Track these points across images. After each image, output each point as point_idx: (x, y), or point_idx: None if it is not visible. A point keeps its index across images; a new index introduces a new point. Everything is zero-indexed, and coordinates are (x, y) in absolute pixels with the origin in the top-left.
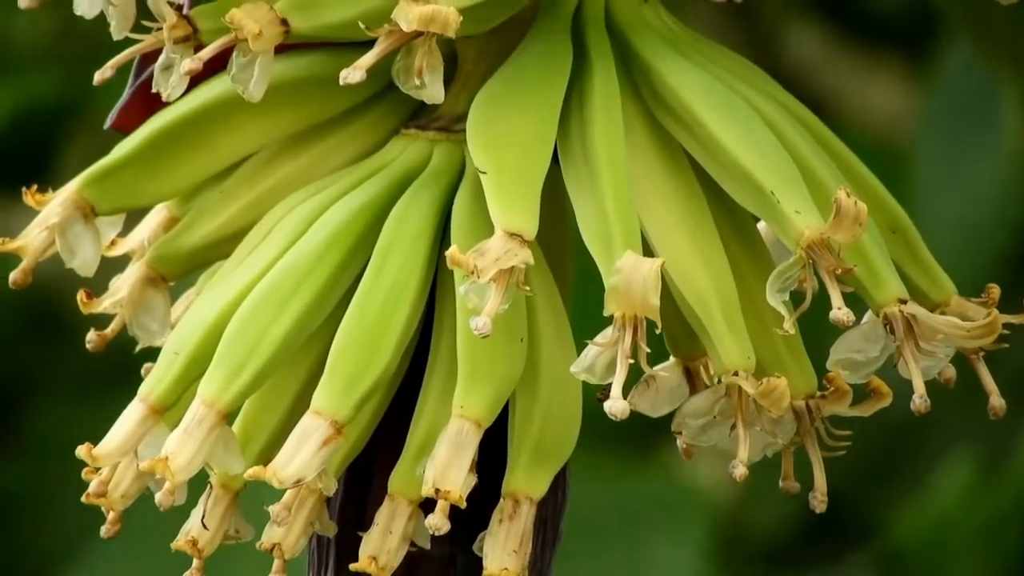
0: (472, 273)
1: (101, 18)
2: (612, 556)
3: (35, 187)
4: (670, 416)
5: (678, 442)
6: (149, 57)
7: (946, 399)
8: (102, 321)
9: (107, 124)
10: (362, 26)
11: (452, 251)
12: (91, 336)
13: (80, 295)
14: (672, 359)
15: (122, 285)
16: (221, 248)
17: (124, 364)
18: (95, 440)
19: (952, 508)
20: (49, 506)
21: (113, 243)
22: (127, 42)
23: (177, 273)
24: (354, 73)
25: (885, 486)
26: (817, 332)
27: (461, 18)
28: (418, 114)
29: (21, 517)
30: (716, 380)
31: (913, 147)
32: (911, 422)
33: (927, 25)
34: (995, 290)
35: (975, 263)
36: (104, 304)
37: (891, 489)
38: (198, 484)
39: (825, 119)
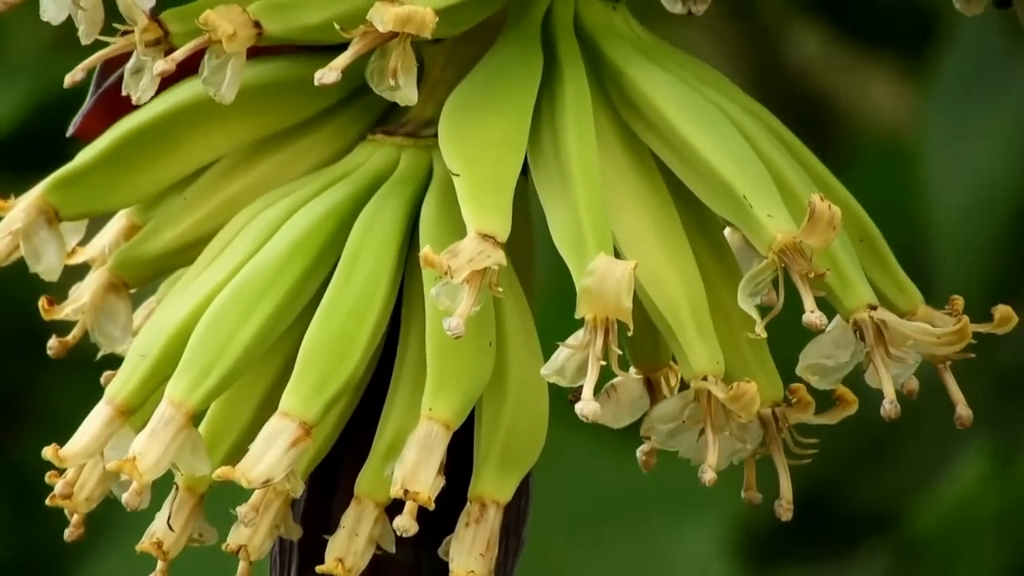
0: (445, 274)
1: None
2: (636, 543)
3: None
4: None
5: (638, 453)
6: (111, 63)
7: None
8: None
9: (70, 131)
10: (337, 28)
11: (426, 251)
12: (52, 343)
13: (42, 302)
14: (633, 370)
15: (84, 291)
16: (185, 254)
17: None
18: None
19: (967, 498)
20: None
21: (74, 251)
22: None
23: (139, 280)
24: (329, 74)
25: (897, 477)
26: (782, 340)
27: (437, 19)
28: (385, 120)
29: (37, 507)
30: (677, 391)
31: (916, 142)
32: (922, 413)
33: (926, 21)
34: (959, 301)
35: (984, 247)
36: (66, 311)
37: (904, 480)
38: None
39: (826, 118)
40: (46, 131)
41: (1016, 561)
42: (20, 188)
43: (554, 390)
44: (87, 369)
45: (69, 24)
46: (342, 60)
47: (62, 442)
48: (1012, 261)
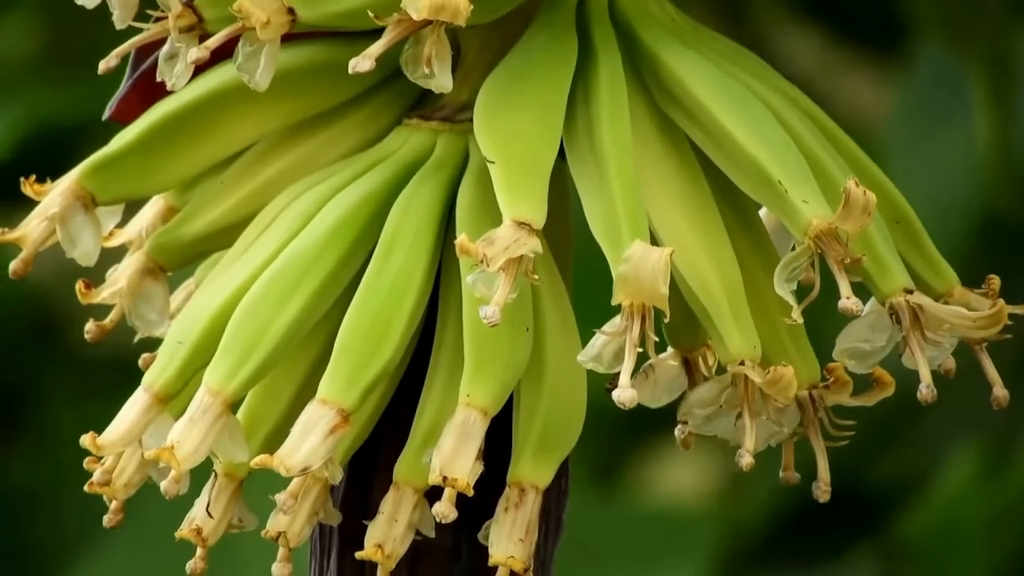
0: (481, 262)
1: (100, 29)
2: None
3: (33, 177)
4: (649, 436)
5: (676, 432)
6: (146, 48)
7: (948, 388)
8: (101, 313)
9: (105, 115)
10: (371, 15)
11: (461, 240)
12: (90, 327)
13: (79, 285)
14: (671, 350)
15: (120, 275)
16: (221, 238)
17: (132, 361)
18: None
19: (958, 499)
20: (55, 502)
21: (111, 234)
22: (129, 33)
23: (176, 263)
24: (363, 62)
25: (887, 477)
26: (816, 323)
27: (471, 6)
28: (420, 104)
29: (28, 513)
30: (714, 371)
31: (885, 140)
32: (913, 411)
33: (899, 22)
34: (995, 281)
35: (945, 251)
36: (103, 294)
37: (893, 480)
38: (200, 475)
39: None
40: (42, 158)
41: (1006, 564)
42: (14, 217)
43: None
44: (72, 379)
45: (62, 50)
46: (376, 48)
47: (54, 450)
48: (971, 263)
